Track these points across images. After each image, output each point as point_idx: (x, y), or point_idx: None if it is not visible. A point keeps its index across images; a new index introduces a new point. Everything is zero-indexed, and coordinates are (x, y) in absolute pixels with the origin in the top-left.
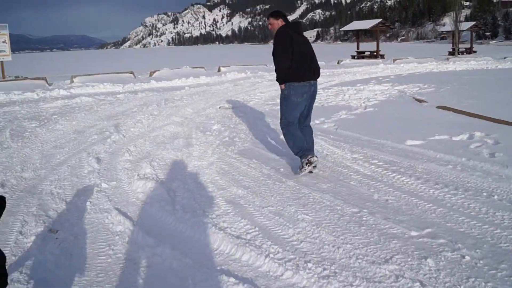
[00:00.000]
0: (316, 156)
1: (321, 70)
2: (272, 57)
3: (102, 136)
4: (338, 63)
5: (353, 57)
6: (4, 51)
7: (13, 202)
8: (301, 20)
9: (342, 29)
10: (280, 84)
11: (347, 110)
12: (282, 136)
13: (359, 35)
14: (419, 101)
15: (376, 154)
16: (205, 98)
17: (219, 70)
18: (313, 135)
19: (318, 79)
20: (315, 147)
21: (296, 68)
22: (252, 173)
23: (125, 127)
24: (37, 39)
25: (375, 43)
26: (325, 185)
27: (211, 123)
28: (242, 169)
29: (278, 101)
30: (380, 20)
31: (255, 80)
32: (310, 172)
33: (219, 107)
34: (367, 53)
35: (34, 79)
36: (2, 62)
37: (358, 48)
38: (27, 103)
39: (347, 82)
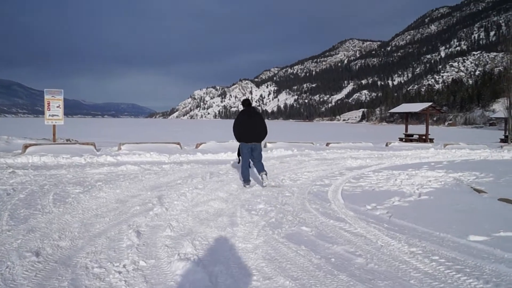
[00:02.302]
0: (265, 172)
1: (369, 152)
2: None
3: (145, 207)
4: (386, 145)
5: (401, 139)
6: (58, 115)
7: (45, 273)
8: (255, 106)
9: (391, 111)
10: (238, 141)
11: (400, 196)
12: (333, 221)
13: (407, 118)
14: (478, 191)
15: (436, 249)
16: None
17: (265, 146)
18: (263, 167)
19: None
20: (368, 235)
21: (243, 134)
22: (300, 262)
23: (168, 200)
24: (90, 105)
25: (421, 126)
26: (382, 282)
27: (256, 201)
28: (290, 256)
29: (327, 182)
30: (430, 103)
31: (301, 158)
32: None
33: (265, 185)
34: (415, 136)
35: (83, 144)
36: (54, 125)
37: (406, 130)
38: (73, 167)
39: (398, 166)
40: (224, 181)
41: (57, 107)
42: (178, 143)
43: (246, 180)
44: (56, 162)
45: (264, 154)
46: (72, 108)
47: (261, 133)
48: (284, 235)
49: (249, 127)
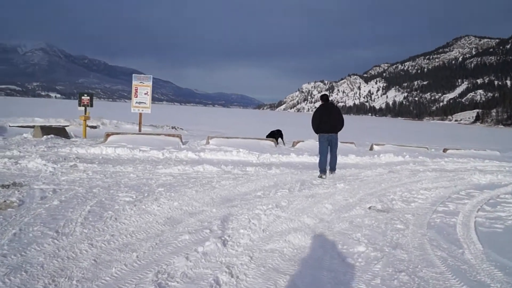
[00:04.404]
0: (334, 172)
1: (498, 163)
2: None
3: (196, 237)
4: None
5: None
6: (145, 103)
7: None
8: (332, 101)
9: None
10: (316, 133)
11: None
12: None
13: None
14: None
15: None
16: (352, 188)
17: (371, 149)
18: (336, 160)
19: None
20: None
21: (321, 125)
22: None
23: (233, 225)
24: (202, 94)
25: None
26: None
27: (355, 239)
28: None
29: (451, 207)
30: None
31: (415, 167)
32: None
33: (369, 208)
34: None
35: (169, 135)
36: (140, 114)
37: None
38: (144, 164)
39: None
40: (315, 196)
41: (145, 94)
42: (273, 140)
43: (322, 171)
44: (131, 155)
45: (370, 159)
46: (185, 96)
47: (338, 125)
48: None
49: (327, 119)
